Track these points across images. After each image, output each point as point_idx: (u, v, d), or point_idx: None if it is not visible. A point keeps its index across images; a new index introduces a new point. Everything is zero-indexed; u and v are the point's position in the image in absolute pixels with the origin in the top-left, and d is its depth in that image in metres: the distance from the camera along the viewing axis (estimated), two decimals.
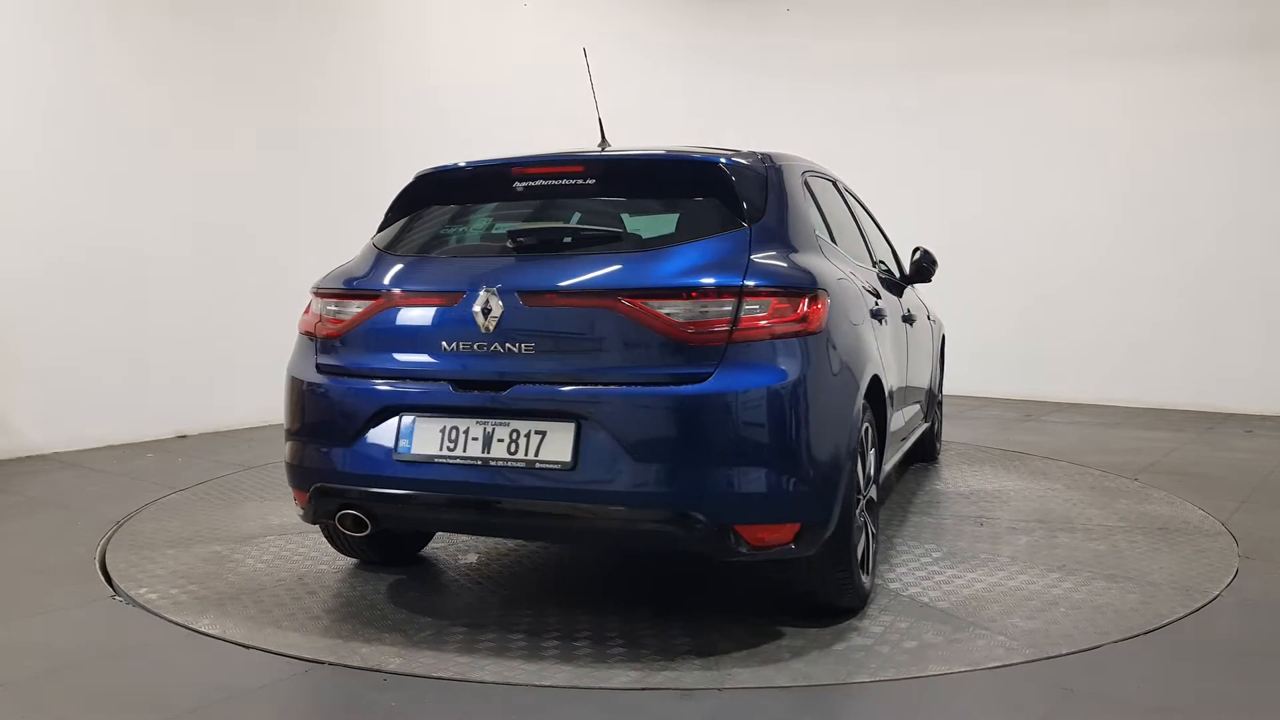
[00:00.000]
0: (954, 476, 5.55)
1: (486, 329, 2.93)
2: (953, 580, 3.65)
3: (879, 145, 9.58)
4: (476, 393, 2.95)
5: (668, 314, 2.80)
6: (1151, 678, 2.82)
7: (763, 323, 2.82)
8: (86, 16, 6.26)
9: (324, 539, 4.20)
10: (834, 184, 4.28)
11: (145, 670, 2.92)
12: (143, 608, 3.39)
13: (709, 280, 2.85)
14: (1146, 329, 8.64)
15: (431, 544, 4.09)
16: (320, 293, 3.35)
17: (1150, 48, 8.61)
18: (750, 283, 2.84)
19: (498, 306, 2.92)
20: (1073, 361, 8.95)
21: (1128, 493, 5.10)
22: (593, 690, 2.70)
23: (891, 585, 3.58)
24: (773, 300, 2.85)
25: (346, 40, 7.76)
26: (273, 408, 7.20)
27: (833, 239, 3.67)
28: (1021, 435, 7.04)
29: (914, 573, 3.75)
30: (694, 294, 2.82)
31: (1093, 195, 8.87)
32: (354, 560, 3.87)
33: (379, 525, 3.13)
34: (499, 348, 2.92)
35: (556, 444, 2.83)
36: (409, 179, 3.63)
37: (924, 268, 4.87)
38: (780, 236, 3.12)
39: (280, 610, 3.35)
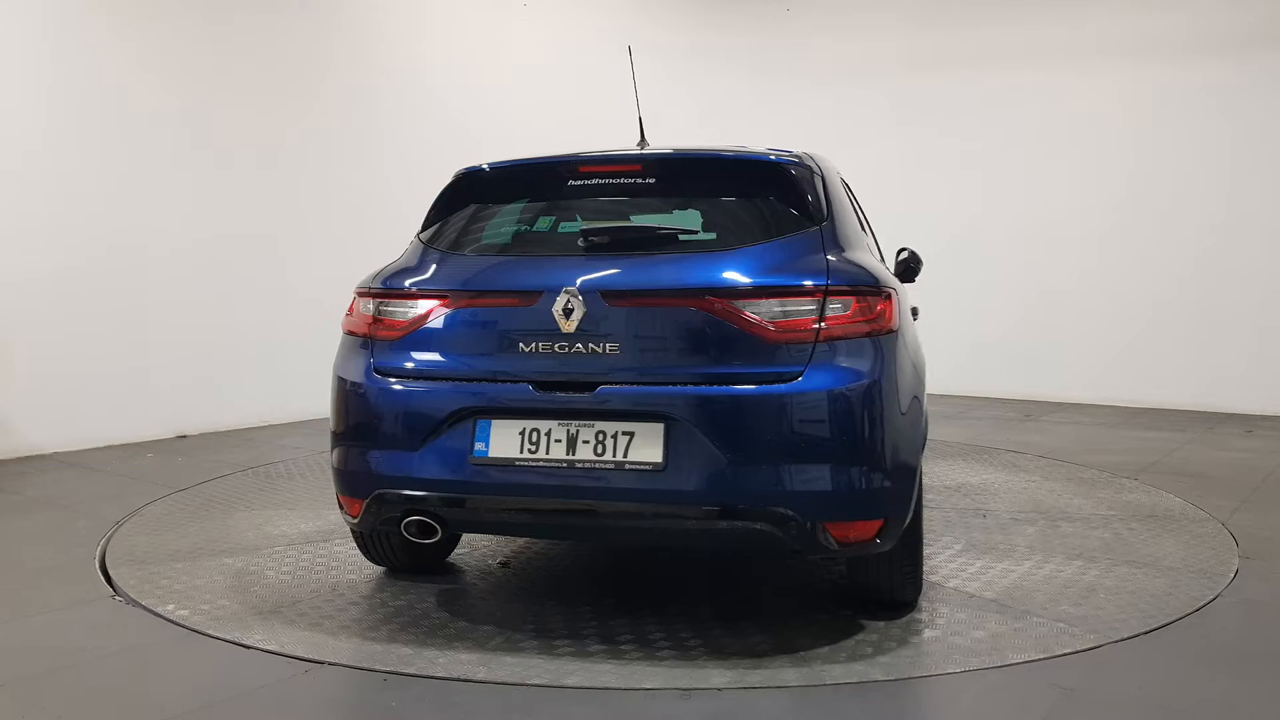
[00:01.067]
0: (943, 472, 5.55)
1: (568, 329, 2.88)
2: (986, 571, 3.73)
3: (879, 145, 9.58)
4: (560, 394, 2.88)
5: (756, 313, 2.83)
6: (1151, 678, 2.81)
7: (846, 322, 2.85)
8: (87, 16, 6.26)
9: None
10: (846, 183, 4.30)
11: (145, 670, 2.92)
12: (143, 608, 3.39)
13: (796, 280, 2.89)
14: (1146, 329, 8.64)
15: (456, 549, 4.07)
16: (373, 293, 3.22)
17: (1151, 48, 8.61)
18: (833, 283, 2.87)
19: (580, 307, 2.87)
20: (1072, 361, 8.95)
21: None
22: (612, 690, 2.70)
23: (931, 578, 3.63)
24: (853, 300, 2.88)
25: (347, 40, 7.76)
26: (273, 408, 7.24)
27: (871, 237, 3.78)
28: (1020, 435, 7.04)
29: (946, 565, 3.82)
30: (782, 293, 2.86)
31: (1093, 195, 8.86)
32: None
33: (449, 531, 3.06)
34: (581, 348, 2.88)
35: (646, 445, 2.80)
36: (450, 175, 3.54)
37: (911, 268, 4.88)
38: (843, 237, 3.16)
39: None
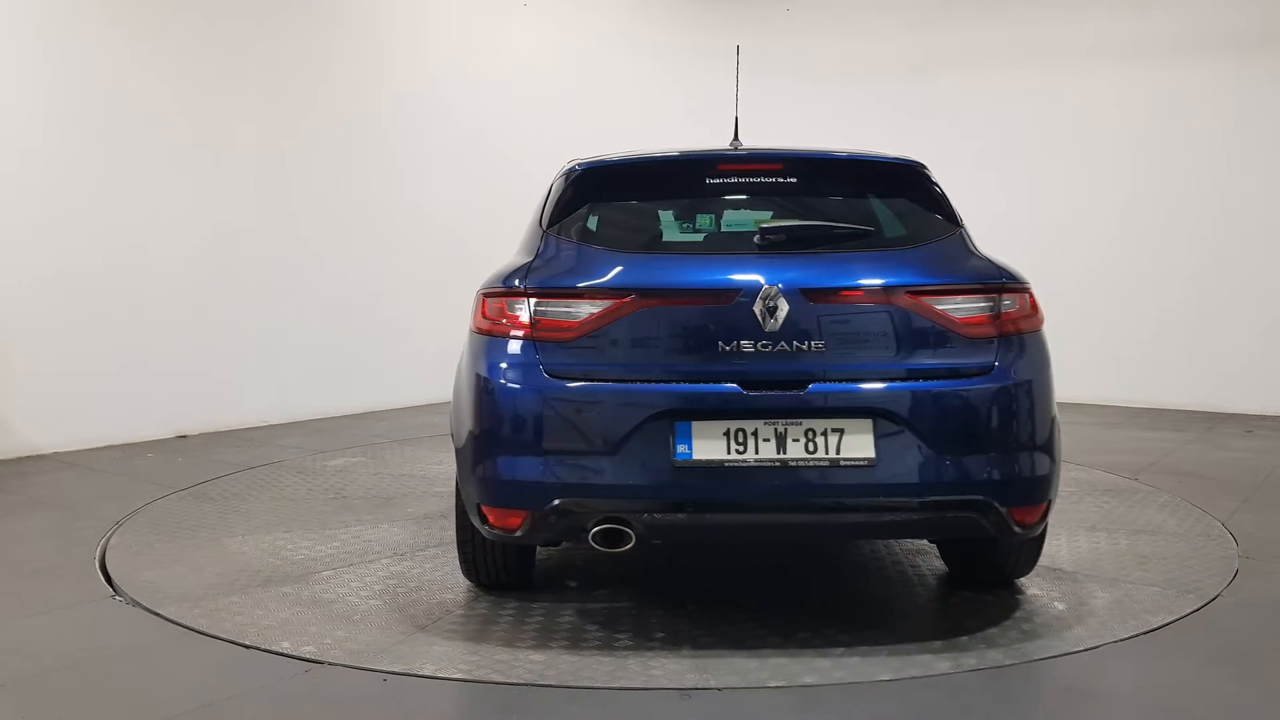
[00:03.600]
0: None
1: (772, 328, 2.86)
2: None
3: (878, 145, 9.56)
4: (771, 393, 2.85)
5: (949, 309, 2.94)
6: (1151, 678, 2.81)
7: (1018, 317, 3.02)
8: (86, 15, 6.26)
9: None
10: None
11: (145, 670, 2.92)
12: (143, 608, 3.39)
13: (978, 278, 3.03)
14: (1146, 329, 8.64)
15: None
16: (527, 292, 3.04)
17: (1151, 48, 8.61)
18: (1004, 280, 3.03)
19: (783, 305, 2.86)
20: (1072, 361, 8.91)
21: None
22: (625, 691, 2.70)
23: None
24: (1018, 296, 3.05)
25: (347, 40, 7.76)
26: (273, 408, 7.24)
27: None
28: None
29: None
30: (969, 290, 2.98)
31: (1093, 195, 8.86)
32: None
33: (645, 538, 2.91)
34: (786, 346, 2.86)
35: (857, 441, 2.83)
36: (566, 171, 3.42)
37: None
38: (974, 239, 3.31)
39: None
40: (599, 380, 2.92)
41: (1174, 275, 8.53)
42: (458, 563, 3.59)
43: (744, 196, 3.38)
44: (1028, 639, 3.04)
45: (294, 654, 2.96)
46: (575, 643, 3.05)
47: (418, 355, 8.15)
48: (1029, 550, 3.38)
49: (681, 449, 2.82)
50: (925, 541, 4.00)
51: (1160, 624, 3.17)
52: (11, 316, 6.00)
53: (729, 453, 2.82)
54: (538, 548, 3.58)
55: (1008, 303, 3.01)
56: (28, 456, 6.00)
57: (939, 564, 3.82)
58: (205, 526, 4.38)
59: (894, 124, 9.69)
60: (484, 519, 3.04)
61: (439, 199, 8.32)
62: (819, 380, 2.87)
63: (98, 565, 3.86)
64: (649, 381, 2.89)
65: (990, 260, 3.13)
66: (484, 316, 3.13)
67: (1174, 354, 8.50)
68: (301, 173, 7.45)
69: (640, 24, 9.83)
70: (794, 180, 3.32)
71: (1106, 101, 8.79)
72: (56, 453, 6.12)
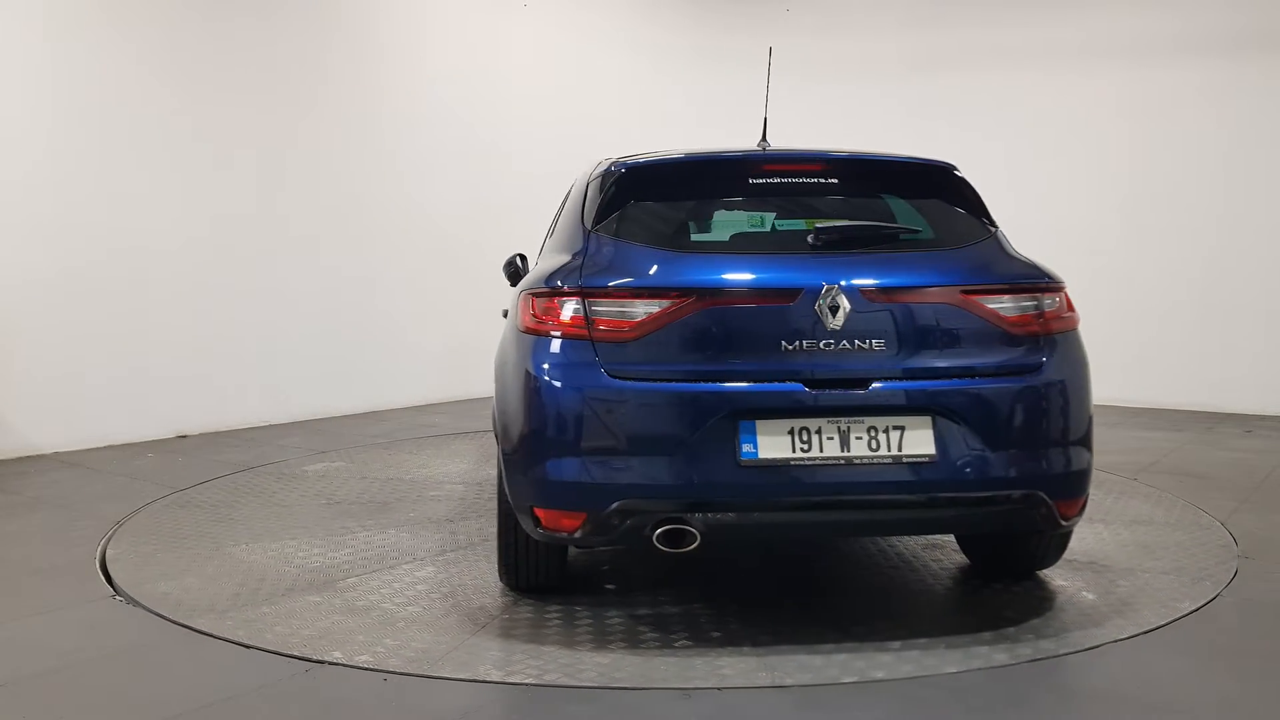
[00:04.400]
0: None
1: (834, 327, 2.89)
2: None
3: (878, 145, 9.56)
4: (834, 391, 2.88)
5: (997, 308, 3.02)
6: (1151, 678, 2.81)
7: (1059, 316, 3.12)
8: (87, 16, 6.26)
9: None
10: None
11: (145, 670, 2.92)
12: (143, 607, 3.39)
13: (1024, 277, 3.11)
14: (1146, 329, 8.63)
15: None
16: (583, 291, 3.00)
17: (1152, 47, 8.61)
18: (1045, 280, 3.13)
19: (845, 304, 2.90)
20: None
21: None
22: (628, 690, 2.70)
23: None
24: (1058, 295, 3.15)
25: (347, 40, 7.76)
26: (273, 408, 7.24)
27: None
28: None
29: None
30: (1017, 290, 3.07)
31: (1093, 195, 8.86)
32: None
33: (707, 537, 2.89)
34: (848, 345, 2.89)
35: (918, 438, 2.88)
36: (608, 169, 3.40)
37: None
38: (1009, 240, 3.36)
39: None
40: (661, 380, 2.90)
41: (1174, 275, 8.53)
42: (481, 566, 3.63)
43: (787, 197, 3.39)
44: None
45: (349, 663, 2.93)
46: (634, 644, 3.04)
47: (418, 355, 8.16)
48: (1058, 542, 3.45)
49: (747, 448, 2.83)
50: (938, 536, 4.05)
51: (1160, 623, 3.17)
52: (12, 316, 6.00)
53: (794, 451, 2.84)
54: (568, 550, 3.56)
55: (1049, 302, 3.10)
56: (28, 456, 6.00)
57: (959, 558, 3.83)
58: (204, 535, 4.27)
59: (894, 124, 9.69)
60: (536, 521, 3.01)
61: (439, 199, 8.32)
62: (880, 378, 2.91)
63: (98, 565, 3.86)
64: (713, 381, 2.89)
65: (1029, 260, 3.22)
66: (534, 316, 3.09)
67: (1174, 354, 8.50)
68: (301, 173, 7.45)
69: (640, 24, 9.83)
70: (835, 181, 3.38)
71: (1107, 102, 8.79)
72: (56, 453, 6.12)
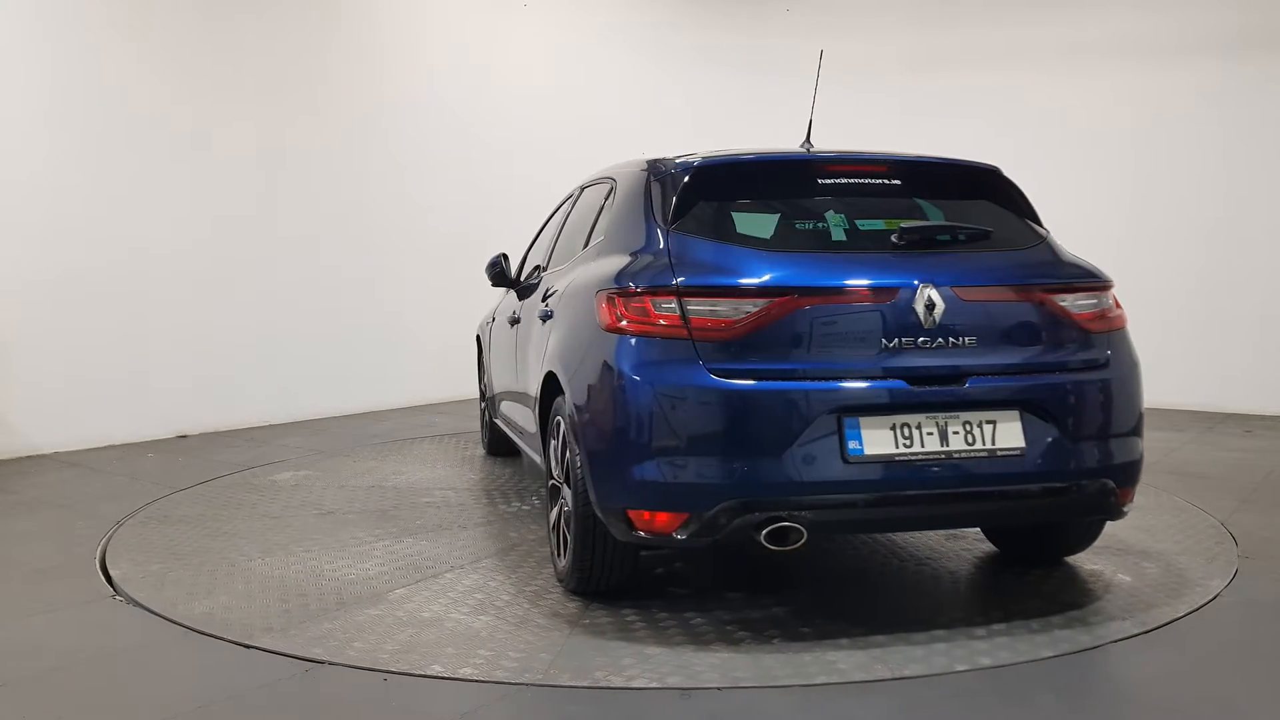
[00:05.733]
0: None
1: (931, 325, 2.97)
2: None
3: (879, 145, 9.56)
4: (934, 387, 2.97)
5: (1069, 305, 3.18)
6: (1152, 678, 2.81)
7: (1113, 313, 3.30)
8: (86, 17, 6.26)
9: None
10: None
11: (145, 670, 2.92)
12: (143, 608, 3.39)
13: (1088, 276, 3.28)
14: (1146, 329, 8.57)
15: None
16: (679, 290, 2.98)
17: (1152, 47, 8.60)
18: (1103, 279, 3.31)
19: (940, 302, 2.98)
20: None
21: None
22: (606, 690, 2.70)
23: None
24: (1111, 294, 3.32)
25: (347, 40, 7.76)
26: (273, 408, 7.24)
27: None
28: None
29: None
30: (1085, 289, 3.23)
31: (1093, 195, 8.86)
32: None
33: (814, 535, 2.93)
34: (943, 342, 2.99)
35: (1008, 431, 2.99)
36: (681, 167, 3.42)
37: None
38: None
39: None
40: (765, 379, 2.91)
41: (1174, 275, 8.52)
42: (525, 572, 3.65)
43: (854, 197, 3.45)
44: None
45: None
46: (733, 642, 3.03)
47: (418, 355, 8.16)
48: (1095, 528, 3.61)
49: (853, 445, 2.88)
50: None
51: (1159, 624, 3.16)
52: (12, 316, 6.00)
53: (897, 447, 2.91)
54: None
55: (1108, 300, 3.28)
56: (28, 456, 6.01)
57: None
58: (210, 550, 4.04)
59: (894, 124, 9.69)
60: (628, 523, 3.01)
61: (439, 199, 8.32)
62: (973, 374, 3.01)
63: (98, 565, 3.86)
64: (818, 379, 2.93)
65: (1084, 261, 3.38)
66: (622, 316, 3.07)
67: (1174, 354, 8.49)
68: (301, 173, 7.45)
69: (640, 24, 9.83)
70: (898, 182, 3.45)
71: (1108, 102, 8.79)
72: (57, 453, 6.13)
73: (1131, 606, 3.32)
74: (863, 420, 2.90)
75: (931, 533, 4.18)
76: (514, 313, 4.80)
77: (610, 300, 3.13)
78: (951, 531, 4.17)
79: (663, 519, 2.95)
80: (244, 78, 7.06)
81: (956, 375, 2.99)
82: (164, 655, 3.02)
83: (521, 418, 4.58)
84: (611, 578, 3.35)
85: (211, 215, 6.92)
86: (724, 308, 2.96)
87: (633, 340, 3.02)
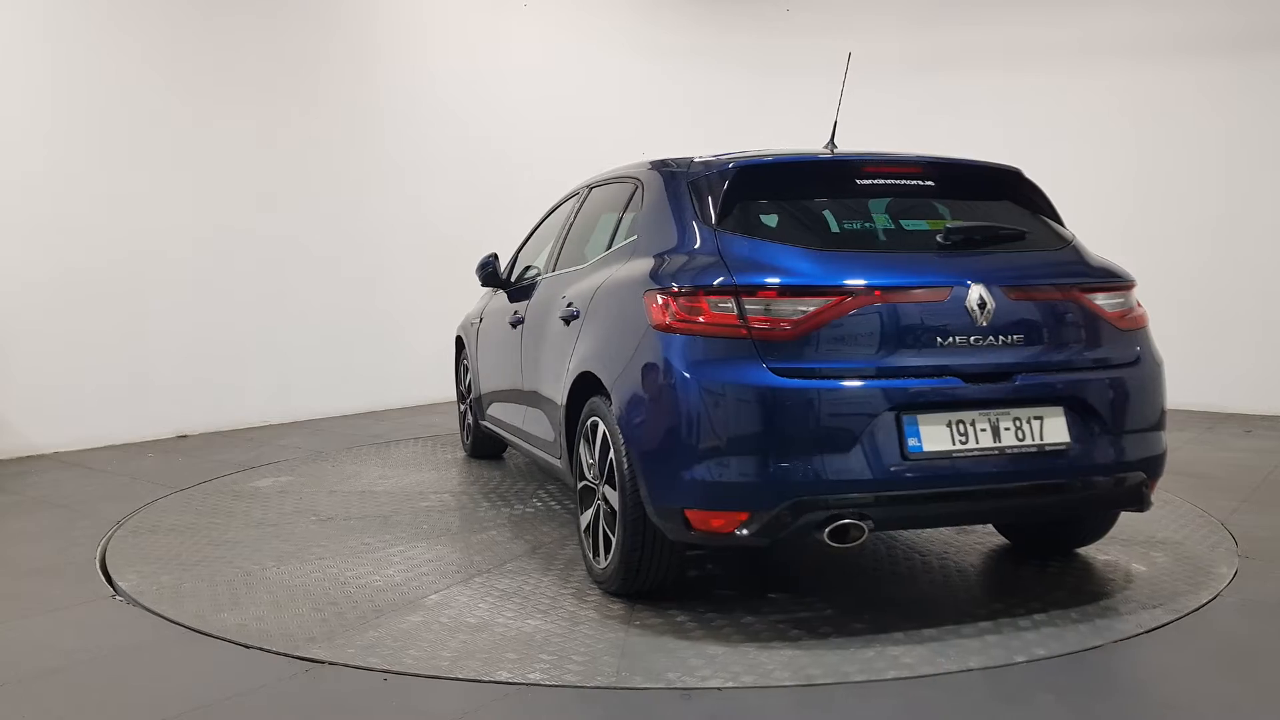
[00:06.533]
0: None
1: (982, 323, 3.03)
2: None
3: (879, 145, 9.56)
4: (987, 384, 3.03)
5: (1104, 304, 3.28)
6: (1151, 677, 2.82)
7: (1138, 312, 3.39)
8: (86, 18, 6.26)
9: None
10: None
11: (145, 670, 2.92)
12: (143, 607, 3.39)
13: (1116, 275, 3.38)
14: None
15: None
16: (738, 289, 2.98)
17: (1153, 47, 8.60)
18: (1129, 279, 3.40)
19: (991, 300, 3.05)
20: None
21: None
22: (634, 690, 2.70)
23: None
24: (1134, 294, 3.42)
25: (347, 41, 7.76)
26: (273, 408, 7.24)
27: None
28: None
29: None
30: (1115, 288, 3.33)
31: (1093, 194, 8.86)
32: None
33: (874, 529, 2.97)
34: (994, 340, 3.05)
35: (1054, 427, 3.07)
36: (724, 168, 3.39)
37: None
38: None
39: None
40: (825, 377, 2.93)
41: (1174, 275, 8.52)
42: (557, 575, 3.65)
43: (893, 198, 3.51)
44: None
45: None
46: (793, 640, 3.04)
47: (417, 355, 8.15)
48: (1109, 521, 3.73)
49: (912, 441, 2.93)
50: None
51: (1159, 624, 3.16)
52: (13, 316, 6.00)
53: (953, 443, 2.96)
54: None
55: (1133, 299, 3.38)
56: (28, 456, 6.01)
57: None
58: (220, 560, 3.90)
59: (894, 124, 9.68)
60: (685, 523, 3.00)
61: (438, 199, 8.32)
62: (1021, 371, 3.07)
63: (98, 565, 3.86)
64: (877, 377, 2.96)
65: (1108, 261, 3.46)
66: (676, 315, 3.05)
67: (1174, 354, 8.45)
68: (301, 173, 7.45)
69: (640, 24, 9.83)
70: (931, 183, 3.50)
71: (1108, 102, 8.79)
72: (57, 453, 6.13)
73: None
74: (920, 418, 2.95)
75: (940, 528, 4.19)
76: (515, 314, 4.74)
77: (661, 300, 3.12)
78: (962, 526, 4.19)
79: (723, 518, 2.96)
80: (244, 79, 7.06)
81: (1006, 372, 3.05)
82: (164, 655, 3.02)
83: (529, 420, 4.52)
84: (656, 577, 3.33)
85: (211, 215, 6.91)
86: (784, 307, 2.96)
87: (688, 340, 3.02)
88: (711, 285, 3.03)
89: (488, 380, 5.44)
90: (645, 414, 3.12)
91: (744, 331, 2.95)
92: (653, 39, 9.85)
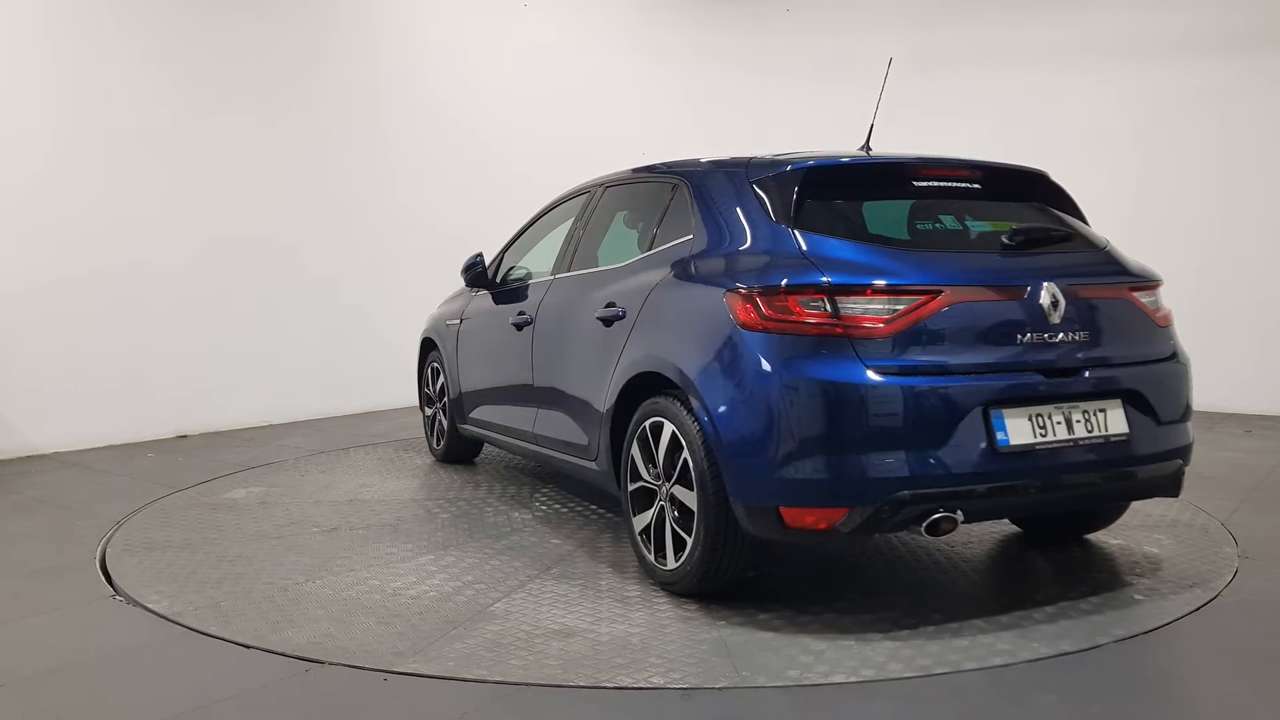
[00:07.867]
0: None
1: (1055, 320, 3.19)
2: None
3: (879, 145, 9.56)
4: (1062, 379, 3.19)
5: (1147, 301, 3.49)
6: (1151, 677, 2.82)
7: (1167, 309, 3.61)
8: (87, 20, 6.26)
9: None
10: None
11: (145, 670, 2.92)
12: (143, 608, 3.39)
13: (1150, 275, 3.58)
14: None
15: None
16: (832, 288, 3.00)
17: (1153, 47, 8.60)
18: (1160, 278, 3.61)
19: (1061, 299, 3.20)
20: None
21: None
22: (629, 691, 2.70)
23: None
24: (1161, 292, 3.62)
25: (346, 43, 7.75)
26: (273, 408, 7.24)
27: None
28: None
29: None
30: (1152, 287, 3.54)
31: (1095, 195, 8.84)
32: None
33: (966, 523, 3.08)
34: (1065, 337, 3.21)
35: (1116, 418, 3.26)
36: (792, 169, 3.41)
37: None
38: None
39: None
40: (920, 374, 3.01)
41: (1174, 275, 8.48)
42: (613, 574, 3.65)
43: (951, 200, 3.62)
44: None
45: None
46: (889, 634, 3.08)
47: (416, 355, 8.14)
48: (1121, 508, 3.97)
49: (1000, 435, 3.04)
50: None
51: (1159, 624, 3.17)
52: (13, 316, 6.00)
53: (1035, 436, 3.09)
54: None
55: (1161, 297, 3.58)
56: (28, 456, 6.01)
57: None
58: (244, 576, 3.70)
59: (894, 124, 9.67)
60: (779, 520, 3.03)
61: (438, 201, 8.31)
62: (1088, 366, 3.25)
63: (98, 565, 3.86)
64: (968, 374, 3.07)
65: (1141, 261, 3.64)
66: (766, 315, 3.06)
67: None
68: (300, 174, 7.44)
69: (640, 24, 9.83)
70: (978, 186, 3.62)
71: (1109, 102, 8.78)
72: (56, 453, 6.13)
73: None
74: (1005, 412, 3.07)
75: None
76: (520, 314, 4.64)
77: (746, 299, 3.12)
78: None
79: (819, 515, 3.00)
80: (242, 82, 7.05)
81: (1075, 368, 3.21)
82: (164, 655, 3.02)
83: (542, 423, 4.41)
84: (730, 576, 3.35)
85: (211, 216, 6.91)
86: (878, 305, 3.03)
87: (780, 339, 3.04)
88: (801, 285, 3.05)
89: (473, 382, 5.27)
90: (734, 413, 3.11)
91: (838, 330, 2.99)
92: (653, 39, 9.85)
